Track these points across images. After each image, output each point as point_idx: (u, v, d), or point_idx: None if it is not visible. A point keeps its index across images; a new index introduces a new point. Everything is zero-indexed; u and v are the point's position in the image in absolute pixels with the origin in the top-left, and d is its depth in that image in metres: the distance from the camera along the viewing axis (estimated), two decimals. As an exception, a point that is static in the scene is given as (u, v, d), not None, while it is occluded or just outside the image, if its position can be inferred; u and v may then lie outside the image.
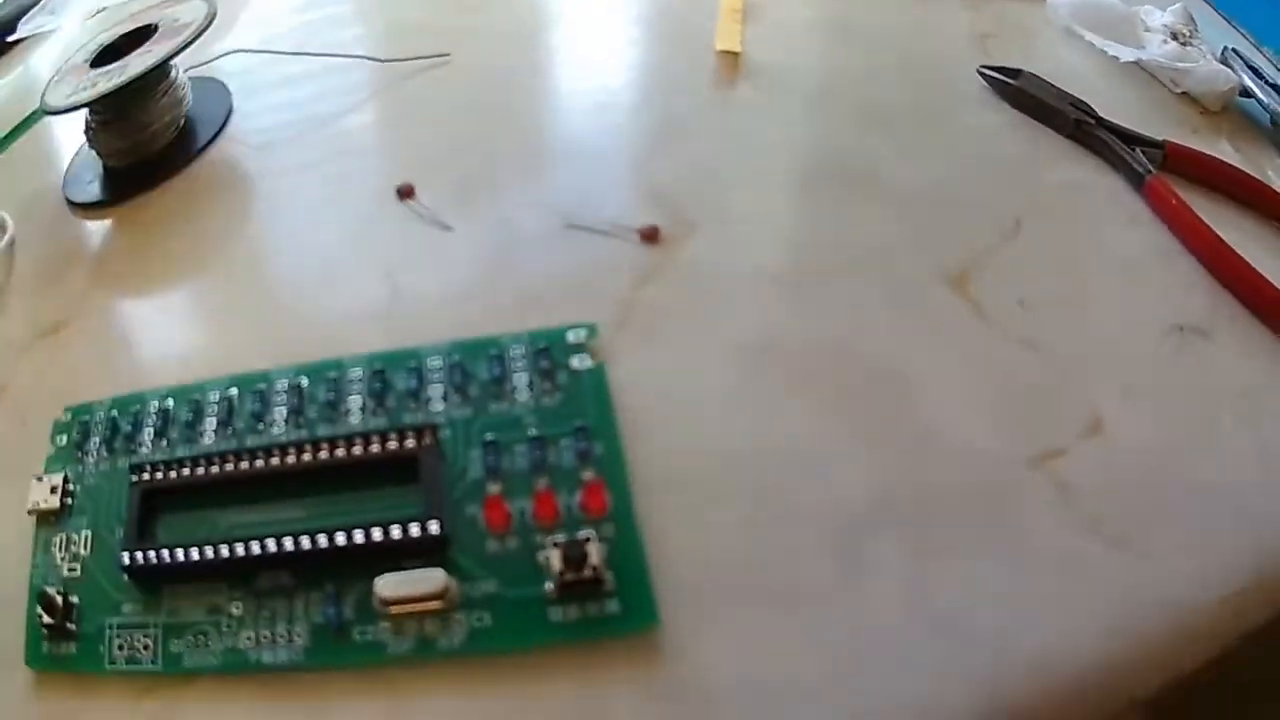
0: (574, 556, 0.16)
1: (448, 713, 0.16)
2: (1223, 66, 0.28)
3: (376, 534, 0.17)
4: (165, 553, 0.18)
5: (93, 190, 0.26)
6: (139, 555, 0.18)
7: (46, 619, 0.18)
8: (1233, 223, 0.22)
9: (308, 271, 0.23)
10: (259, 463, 0.18)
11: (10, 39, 0.35)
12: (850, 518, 0.16)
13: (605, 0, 0.31)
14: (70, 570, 0.19)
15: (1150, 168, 0.24)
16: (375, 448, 0.18)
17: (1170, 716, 0.15)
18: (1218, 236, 0.22)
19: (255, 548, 0.17)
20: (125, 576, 0.19)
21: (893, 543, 0.16)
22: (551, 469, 0.18)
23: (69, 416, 0.21)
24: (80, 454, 0.21)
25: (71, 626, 0.19)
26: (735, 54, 0.26)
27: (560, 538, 0.17)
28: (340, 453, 0.18)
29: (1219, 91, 0.27)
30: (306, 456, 0.18)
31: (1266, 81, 0.28)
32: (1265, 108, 0.27)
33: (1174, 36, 0.31)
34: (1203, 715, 0.16)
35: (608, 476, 0.17)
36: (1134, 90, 0.27)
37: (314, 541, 0.17)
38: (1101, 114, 0.26)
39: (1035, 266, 0.20)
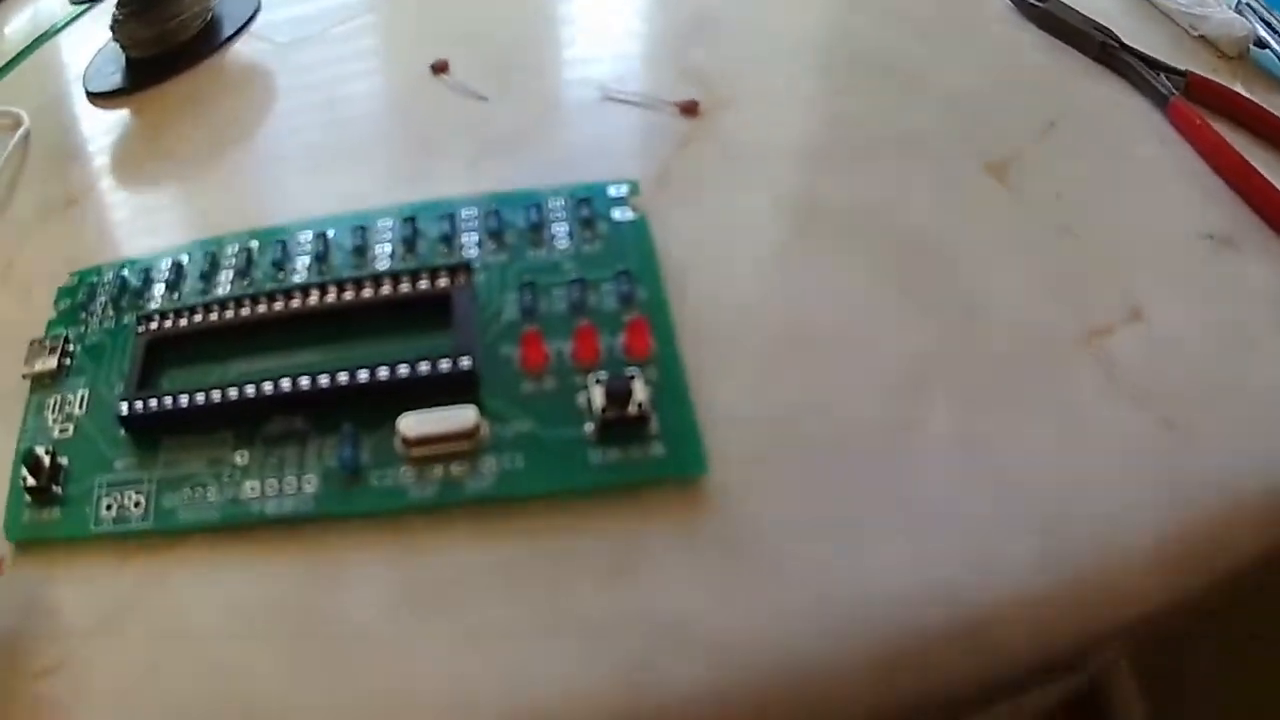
0: (618, 392, 0.15)
1: (470, 562, 0.15)
2: (1238, 15, 0.29)
3: (402, 369, 0.15)
4: (167, 400, 0.16)
5: (114, 80, 0.26)
6: (137, 404, 0.17)
7: (30, 481, 0.17)
8: (1250, 151, 0.22)
9: (337, 148, 0.22)
10: (277, 305, 0.17)
11: None
12: (899, 373, 0.15)
13: None
14: (62, 431, 0.18)
15: (1174, 90, 0.24)
16: (405, 287, 0.17)
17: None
18: (1240, 156, 0.21)
19: (267, 388, 0.16)
20: (121, 430, 0.17)
21: (944, 398, 0.15)
22: (592, 311, 0.16)
23: (74, 280, 0.20)
24: (85, 315, 0.19)
25: (57, 490, 0.17)
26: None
27: (602, 374, 0.15)
28: (367, 293, 0.17)
29: (1235, 37, 0.27)
30: (330, 297, 0.17)
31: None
32: (1280, 57, 0.28)
33: None
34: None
35: (652, 319, 0.16)
36: (1153, 28, 0.27)
37: (332, 379, 0.16)
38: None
39: (1069, 166, 0.20)
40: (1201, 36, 0.28)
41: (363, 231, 0.18)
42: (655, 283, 0.17)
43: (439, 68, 0.23)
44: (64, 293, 0.20)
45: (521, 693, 0.13)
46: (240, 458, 0.16)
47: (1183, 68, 0.25)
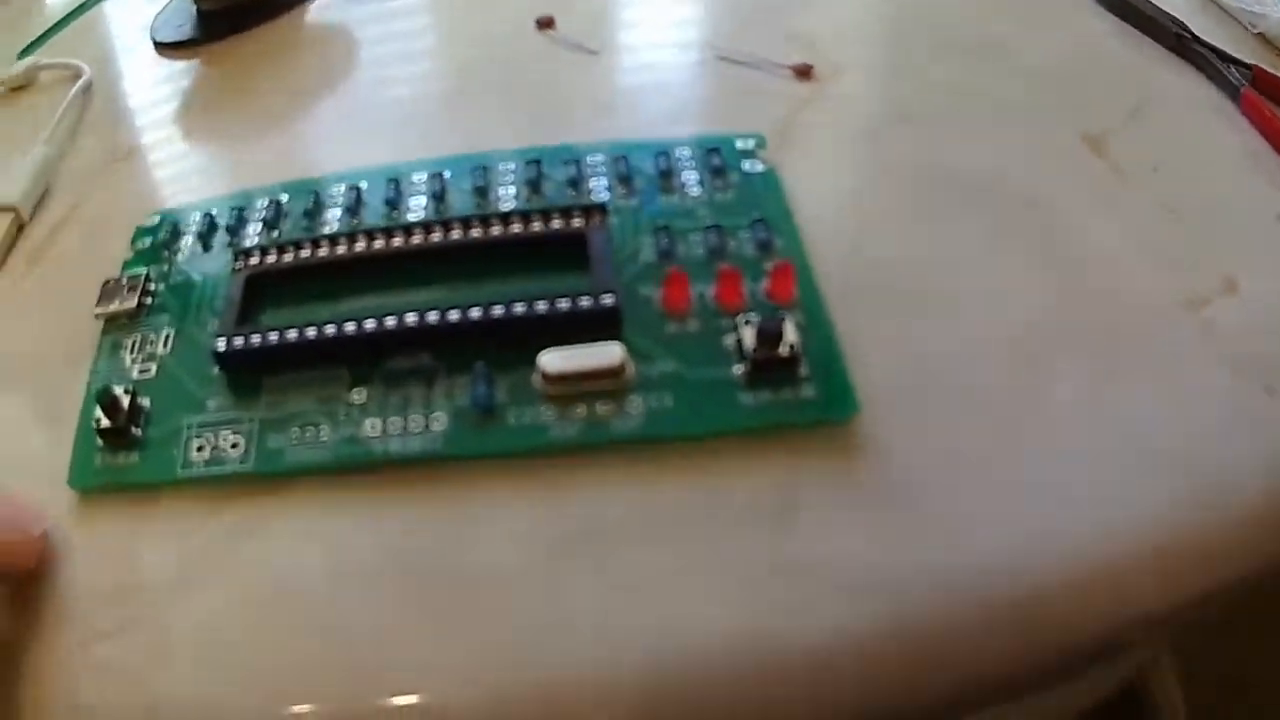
0: (771, 332, 0.14)
1: (616, 505, 0.14)
2: None
3: (541, 306, 0.15)
4: (272, 335, 0.15)
5: (183, 31, 0.25)
6: (237, 340, 0.15)
7: (105, 421, 0.15)
8: None
9: (437, 100, 0.22)
10: (395, 241, 0.16)
11: None
12: (1023, 328, 0.15)
13: None
14: (142, 371, 0.16)
15: (1244, 81, 0.25)
16: (536, 226, 0.16)
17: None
18: None
19: (390, 322, 0.15)
20: (216, 369, 0.16)
21: (1064, 355, 0.15)
22: (732, 256, 0.16)
23: (155, 219, 0.19)
24: (168, 253, 0.18)
25: (137, 432, 0.16)
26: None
27: (752, 317, 0.15)
28: (495, 231, 0.16)
29: None
30: (455, 234, 0.16)
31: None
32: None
33: None
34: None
35: (793, 265, 0.15)
36: (1216, 25, 0.28)
37: (464, 314, 0.15)
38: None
39: (1158, 145, 0.21)
40: (1260, 35, 0.30)
41: (484, 172, 0.18)
42: (792, 231, 0.16)
43: (544, 23, 0.22)
44: (144, 232, 0.19)
45: (671, 641, 0.13)
46: (358, 396, 0.15)
47: (1251, 61, 0.26)
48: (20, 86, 0.27)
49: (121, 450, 0.16)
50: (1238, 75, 0.25)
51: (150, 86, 0.25)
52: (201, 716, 0.13)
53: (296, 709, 0.13)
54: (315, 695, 0.13)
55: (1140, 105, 0.22)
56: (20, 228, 0.22)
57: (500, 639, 0.13)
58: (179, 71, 0.25)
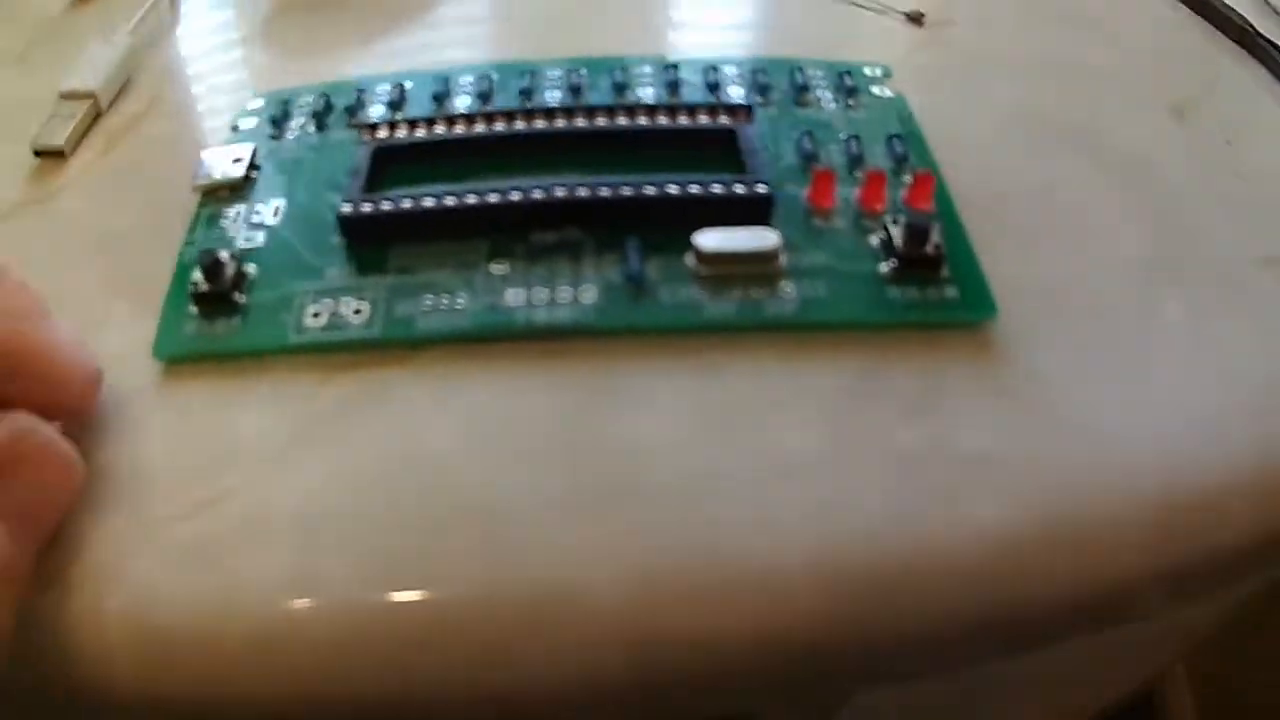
0: (920, 228, 0.14)
1: (770, 387, 0.14)
2: None
3: (694, 188, 0.14)
4: (405, 202, 0.15)
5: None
6: (365, 206, 0.15)
7: (205, 285, 0.14)
8: None
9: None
10: (538, 123, 0.15)
11: None
12: (1135, 266, 0.16)
13: None
14: (248, 240, 0.15)
15: None
16: (684, 119, 0.15)
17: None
18: None
19: (537, 194, 0.15)
20: (338, 238, 0.15)
21: (1174, 290, 0.16)
22: (870, 166, 0.16)
23: (261, 103, 0.18)
24: (277, 131, 0.17)
25: (240, 298, 0.15)
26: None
27: (899, 217, 0.15)
28: (642, 120, 0.15)
29: None
30: (600, 120, 0.15)
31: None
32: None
33: None
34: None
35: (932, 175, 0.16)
36: (1273, 25, 0.31)
37: (616, 191, 0.14)
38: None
39: (1231, 120, 0.22)
40: None
41: (622, 70, 0.17)
42: (925, 150, 0.16)
43: None
44: (248, 112, 0.18)
45: (828, 523, 0.12)
46: (498, 268, 0.14)
47: None
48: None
49: (221, 317, 0.15)
50: None
51: None
52: (303, 600, 0.12)
53: (416, 595, 0.12)
54: (441, 578, 0.12)
55: (1212, 85, 0.24)
56: (98, 115, 0.21)
57: (647, 522, 0.12)
58: None
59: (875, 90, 0.18)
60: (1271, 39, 0.29)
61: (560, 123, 0.16)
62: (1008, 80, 0.21)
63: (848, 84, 0.18)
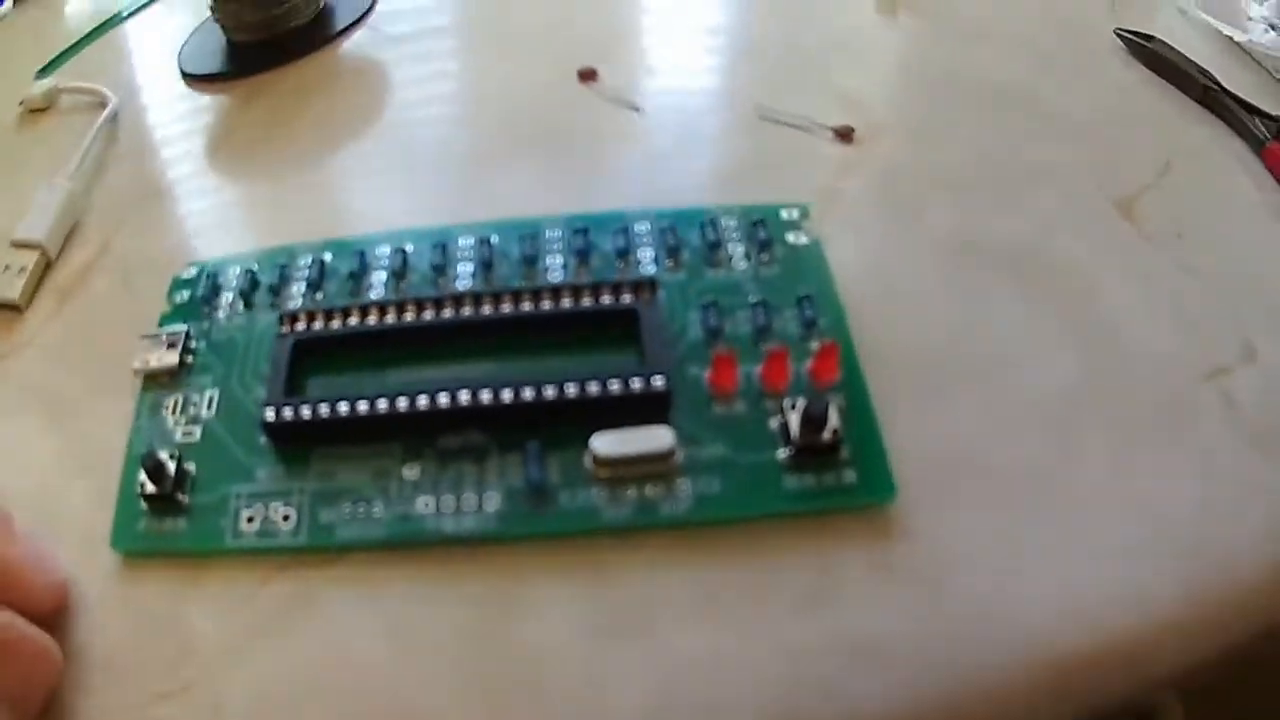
0: (816, 416, 0.14)
1: (665, 586, 0.14)
2: None
3: (593, 388, 0.15)
4: (323, 408, 0.16)
5: (213, 62, 0.25)
6: (286, 411, 0.16)
7: (150, 487, 0.16)
8: None
9: (479, 150, 0.22)
10: (445, 312, 0.16)
11: None
12: (1056, 401, 0.16)
13: None
14: (186, 435, 0.17)
15: (1269, 135, 0.25)
16: (586, 301, 0.16)
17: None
18: None
19: (443, 400, 0.15)
20: (264, 438, 0.16)
21: (1094, 431, 0.16)
22: (777, 335, 0.16)
23: (193, 271, 0.19)
24: (208, 309, 0.18)
25: (183, 498, 0.16)
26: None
27: (798, 400, 0.15)
28: (546, 304, 0.16)
29: None
30: (505, 307, 0.16)
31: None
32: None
33: (1272, 27, 0.33)
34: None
35: (838, 345, 0.16)
36: (1240, 72, 0.28)
37: (516, 394, 0.15)
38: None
39: (1184, 206, 0.21)
40: None
41: (531, 240, 0.18)
42: (837, 309, 0.16)
43: (586, 75, 0.22)
44: (181, 284, 0.19)
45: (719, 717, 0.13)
46: (410, 472, 0.15)
47: (1275, 112, 0.26)
48: (41, 109, 0.27)
49: (167, 516, 0.16)
50: (1263, 128, 0.26)
51: (179, 120, 0.25)
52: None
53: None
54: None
55: (1168, 164, 0.23)
56: (48, 265, 0.22)
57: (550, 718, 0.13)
58: (208, 105, 0.25)
59: (790, 238, 0.18)
60: (1236, 93, 0.27)
61: (468, 311, 0.16)
62: (939, 197, 0.20)
63: (761, 236, 0.17)
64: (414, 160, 0.22)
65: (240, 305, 0.18)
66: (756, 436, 0.15)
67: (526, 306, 0.16)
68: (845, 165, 0.20)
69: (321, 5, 0.25)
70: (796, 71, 0.24)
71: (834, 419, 0.15)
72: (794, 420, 0.15)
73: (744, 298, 0.17)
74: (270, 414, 0.16)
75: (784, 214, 0.18)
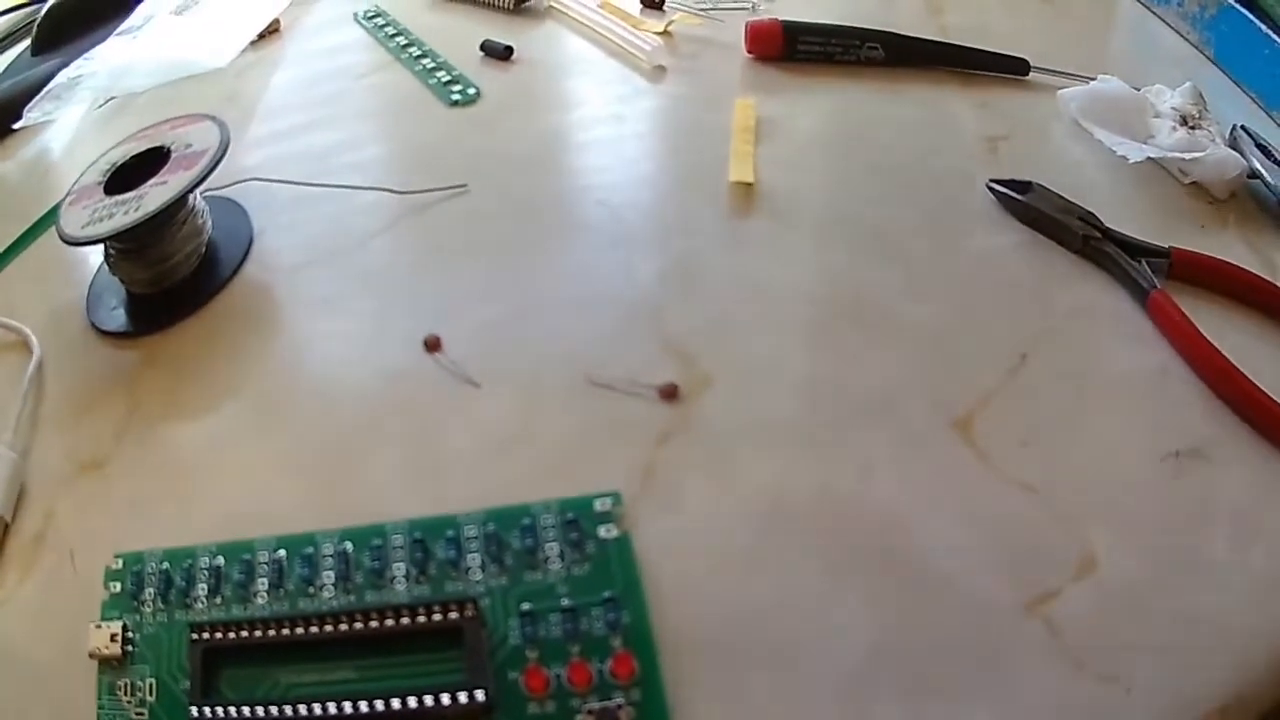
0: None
1: None
2: (1231, 151, 0.30)
3: (428, 700, 0.20)
4: (233, 710, 0.21)
5: (118, 318, 0.28)
6: (207, 711, 0.21)
7: None
8: (1240, 328, 0.25)
9: (343, 421, 0.25)
10: (313, 629, 0.21)
11: (16, 126, 0.37)
12: (856, 673, 0.19)
13: (617, 119, 0.33)
14: (138, 714, 0.22)
15: (1155, 282, 0.26)
16: (421, 618, 0.21)
17: None
18: (1218, 353, 0.24)
19: (317, 709, 0.20)
20: (194, 728, 0.22)
21: (894, 696, 0.19)
22: (584, 637, 0.21)
23: (120, 564, 0.24)
24: (136, 603, 0.23)
25: (144, 774, 0.22)
26: (749, 184, 0.28)
27: (594, 703, 0.20)
28: (389, 622, 0.21)
29: (1226, 180, 0.29)
30: (358, 625, 0.21)
31: (1275, 160, 0.30)
32: (1272, 190, 0.29)
33: (1183, 120, 0.33)
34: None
35: (635, 645, 0.20)
36: (1143, 185, 0.29)
37: (371, 705, 0.20)
38: (1108, 223, 0.28)
39: (1039, 403, 0.23)
40: (1194, 183, 0.30)
41: (379, 550, 0.22)
42: (639, 606, 0.21)
43: (431, 344, 0.26)
44: (113, 575, 0.24)
45: None
46: (302, 763, 0.21)
47: (1166, 244, 0.27)
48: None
49: (134, 791, 0.22)
50: (1148, 272, 0.27)
51: (95, 379, 0.28)
52: None
53: None
54: None
55: (1026, 356, 0.24)
56: (6, 528, 0.27)
57: None
58: (124, 365, 0.28)
59: (602, 532, 0.22)
60: (1118, 231, 0.27)
61: (330, 628, 0.21)
62: (761, 456, 0.22)
63: (573, 536, 0.22)
64: (289, 437, 0.25)
65: (160, 603, 0.23)
66: (563, 734, 0.20)
67: (374, 624, 0.21)
68: (665, 431, 0.23)
69: (204, 250, 0.29)
70: (632, 316, 0.26)
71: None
72: (588, 724, 0.20)
73: (556, 601, 0.21)
74: (195, 712, 0.21)
75: (597, 505, 0.22)
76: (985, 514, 0.21)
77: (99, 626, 0.23)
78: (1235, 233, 0.28)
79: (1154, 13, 0.38)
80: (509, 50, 0.37)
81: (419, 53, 0.39)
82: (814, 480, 0.22)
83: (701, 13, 0.37)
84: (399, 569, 0.22)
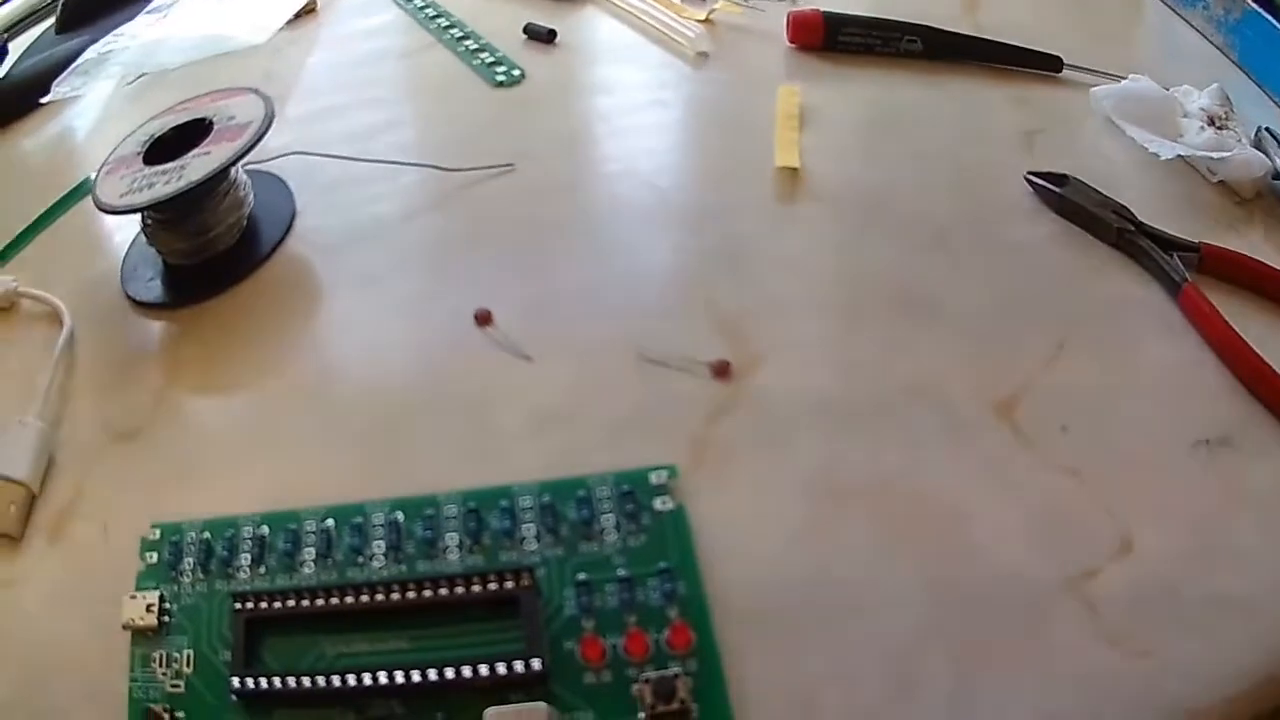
0: (664, 691, 0.19)
1: None
2: (1256, 152, 0.31)
3: (483, 670, 0.20)
4: (276, 681, 0.21)
5: (154, 289, 0.28)
6: (249, 681, 0.21)
7: None
8: (1265, 322, 0.25)
9: (391, 395, 0.25)
10: (363, 597, 0.21)
11: (43, 100, 0.36)
12: (905, 642, 0.20)
13: (661, 104, 0.34)
14: (174, 687, 0.22)
15: (1185, 275, 0.27)
16: (476, 588, 0.21)
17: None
18: (1247, 346, 0.24)
19: (366, 678, 0.20)
20: (235, 698, 0.21)
21: (940, 662, 0.19)
22: (640, 608, 0.21)
23: (157, 534, 0.24)
24: (174, 574, 0.23)
25: (183, 750, 0.21)
26: (794, 170, 0.29)
27: (651, 673, 0.20)
28: (443, 591, 0.21)
29: (1252, 179, 0.30)
30: (411, 594, 0.21)
31: (1299, 161, 0.31)
32: (1296, 190, 0.30)
33: (1210, 121, 0.34)
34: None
35: (691, 616, 0.20)
36: (1172, 182, 0.30)
37: (424, 675, 0.20)
38: (1141, 218, 0.28)
39: (1076, 390, 0.23)
40: (1221, 181, 0.31)
41: (431, 520, 0.22)
42: (694, 577, 0.21)
43: (482, 318, 0.26)
44: (148, 545, 0.24)
45: None
46: (351, 737, 0.21)
47: (1196, 240, 0.28)
48: (2, 308, 0.31)
49: (169, 761, 0.21)
50: (1180, 266, 0.27)
51: (132, 351, 0.28)
52: None
53: None
54: None
55: (1063, 344, 0.24)
56: (33, 499, 0.26)
57: None
58: (154, 337, 0.28)
59: (658, 504, 0.22)
60: (1151, 225, 0.27)
61: (381, 597, 0.21)
62: (812, 431, 0.22)
63: (629, 508, 0.22)
64: (335, 410, 0.25)
65: (200, 574, 0.23)
66: (620, 703, 0.20)
67: (428, 593, 0.21)
68: (718, 407, 0.24)
69: (245, 224, 0.29)
70: (682, 293, 0.26)
71: (682, 690, 0.19)
72: (646, 693, 0.19)
73: (612, 572, 0.21)
74: (236, 683, 0.21)
75: (652, 478, 0.22)
76: (1027, 496, 0.21)
77: (134, 597, 0.23)
78: (1260, 231, 0.29)
79: (1180, 15, 0.39)
80: (552, 34, 0.37)
81: (461, 34, 0.39)
82: (863, 458, 0.22)
83: (743, 2, 0.38)
84: (452, 539, 0.22)
